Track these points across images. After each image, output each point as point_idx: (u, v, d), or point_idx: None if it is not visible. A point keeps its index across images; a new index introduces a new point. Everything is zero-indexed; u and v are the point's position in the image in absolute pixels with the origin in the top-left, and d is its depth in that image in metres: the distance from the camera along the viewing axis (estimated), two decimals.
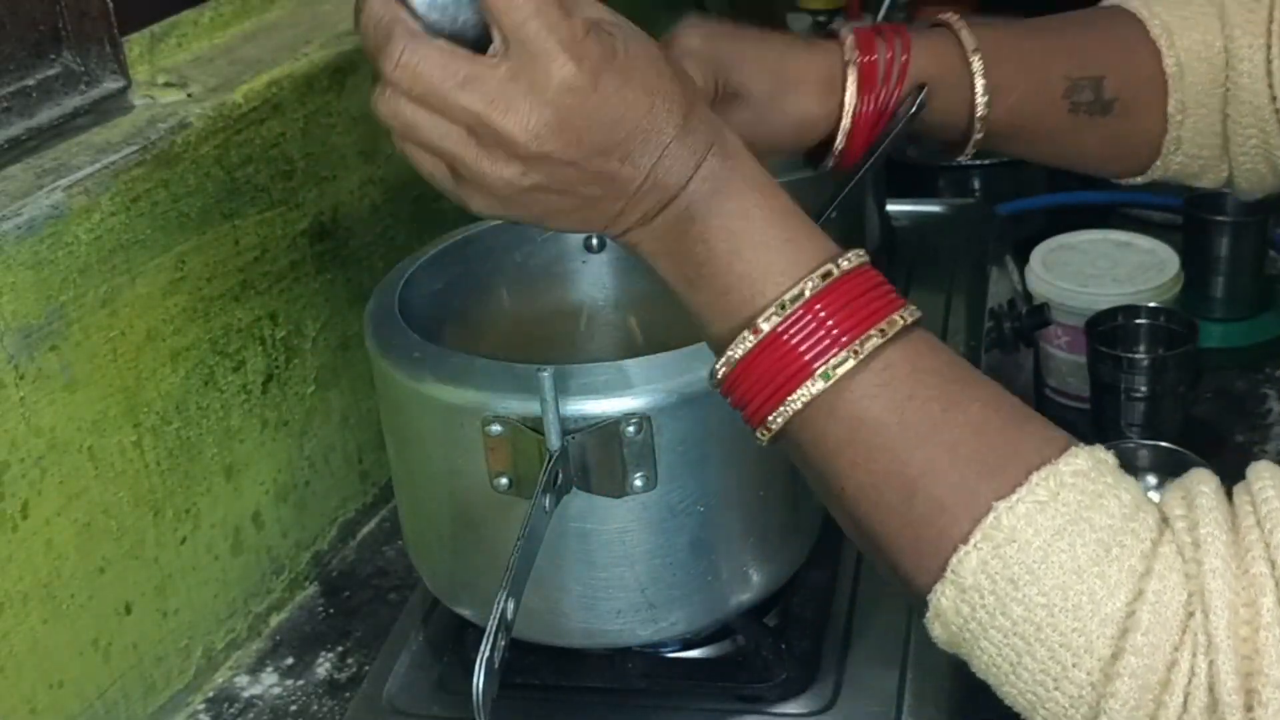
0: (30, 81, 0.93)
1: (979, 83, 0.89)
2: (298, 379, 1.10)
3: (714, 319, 0.64)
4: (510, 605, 0.72)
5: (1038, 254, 1.34)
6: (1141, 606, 0.57)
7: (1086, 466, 0.60)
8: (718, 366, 0.64)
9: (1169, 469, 1.15)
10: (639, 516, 0.81)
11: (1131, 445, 1.17)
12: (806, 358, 0.61)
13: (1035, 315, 1.29)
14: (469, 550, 0.86)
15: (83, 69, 0.96)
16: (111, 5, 0.96)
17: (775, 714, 0.87)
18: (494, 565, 0.75)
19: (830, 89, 0.88)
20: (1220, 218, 1.34)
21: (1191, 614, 0.57)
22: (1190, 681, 0.56)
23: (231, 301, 1.02)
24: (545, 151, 0.60)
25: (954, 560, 0.59)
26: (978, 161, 1.56)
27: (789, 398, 0.62)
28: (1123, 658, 0.56)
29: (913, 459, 0.61)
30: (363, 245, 1.15)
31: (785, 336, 0.61)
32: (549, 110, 0.59)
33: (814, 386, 0.61)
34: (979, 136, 0.91)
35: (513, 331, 0.99)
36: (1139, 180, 0.98)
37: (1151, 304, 1.25)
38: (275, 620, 1.09)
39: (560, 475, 0.77)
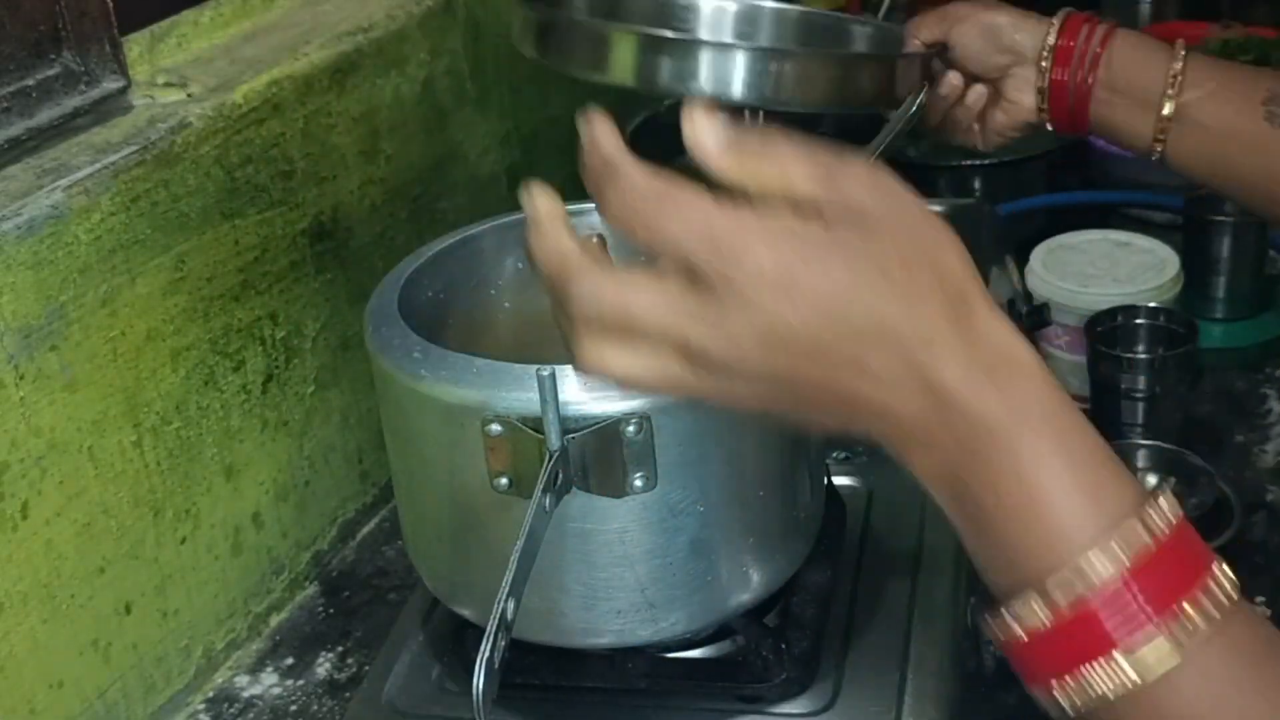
0: (30, 81, 0.93)
1: (1175, 66, 0.88)
2: (298, 379, 1.10)
3: (1001, 571, 0.55)
4: (510, 605, 0.72)
5: (1038, 254, 1.34)
6: None
7: None
8: (1006, 624, 0.54)
9: (1169, 469, 1.15)
10: (639, 516, 0.81)
11: (1131, 445, 1.17)
12: (1113, 631, 0.52)
13: (1035, 315, 1.29)
14: (469, 550, 0.86)
15: (83, 69, 0.96)
16: (111, 5, 0.96)
17: (775, 714, 0.87)
18: (494, 565, 0.75)
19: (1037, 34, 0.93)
20: (1220, 218, 1.34)
21: None
22: None
23: (231, 301, 1.02)
24: (747, 359, 0.53)
25: None
26: (978, 161, 1.57)
27: (1089, 678, 0.53)
28: None
29: None
30: (363, 245, 1.16)
31: (1083, 617, 0.52)
32: (746, 317, 0.52)
33: (1120, 672, 0.52)
34: (1166, 135, 0.91)
35: (513, 331, 0.99)
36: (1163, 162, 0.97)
37: (1151, 304, 1.25)
38: (275, 620, 1.09)
39: (560, 475, 0.77)
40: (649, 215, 0.54)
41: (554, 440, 0.76)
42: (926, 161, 1.54)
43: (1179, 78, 0.90)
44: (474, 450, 0.80)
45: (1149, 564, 0.52)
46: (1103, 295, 1.26)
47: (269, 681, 1.03)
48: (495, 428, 0.79)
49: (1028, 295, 1.32)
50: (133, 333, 0.93)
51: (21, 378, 0.85)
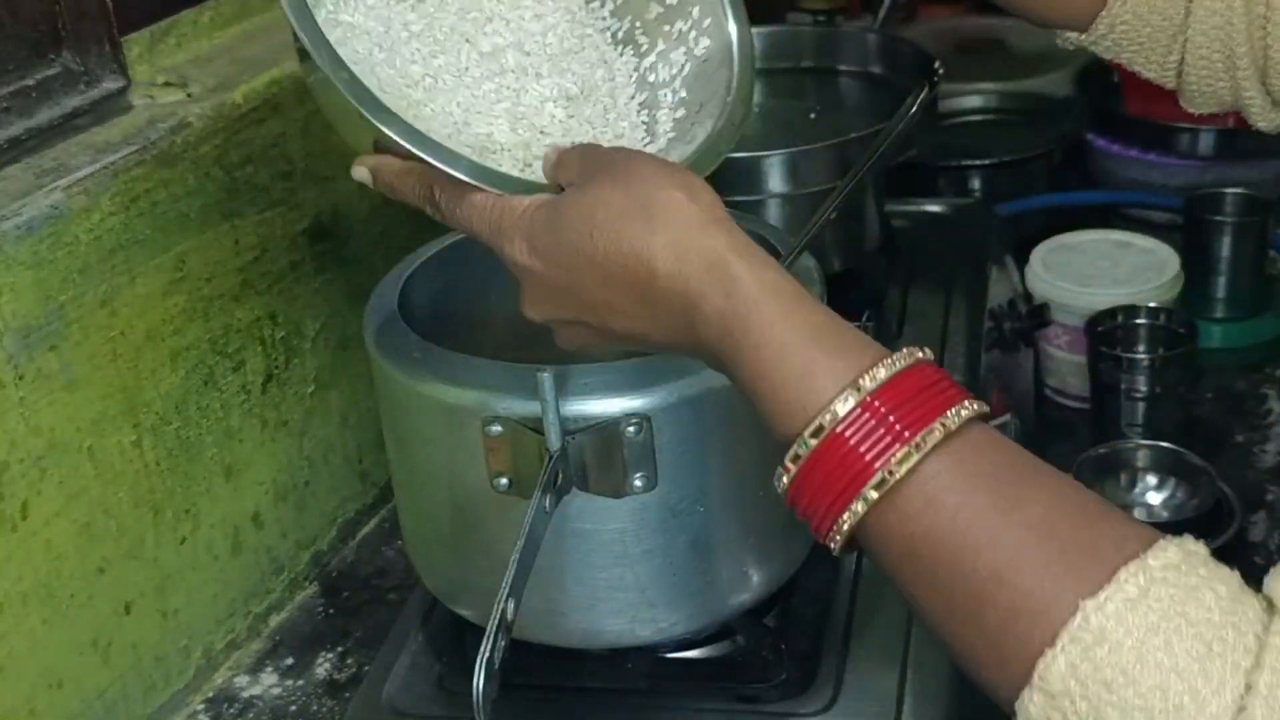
0: (30, 81, 0.93)
1: None
2: (297, 379, 1.10)
3: (778, 431, 0.61)
4: (510, 605, 0.72)
5: (1038, 254, 1.34)
6: (1253, 701, 0.52)
7: (1177, 559, 0.56)
8: (778, 476, 0.61)
9: (1169, 469, 1.15)
10: (639, 517, 0.81)
11: (1131, 445, 1.17)
12: (866, 459, 0.58)
13: (1035, 315, 1.29)
14: (469, 550, 0.86)
15: (82, 69, 0.96)
16: (111, 5, 0.96)
17: (775, 714, 0.87)
18: (494, 565, 0.75)
19: None
20: (1220, 218, 1.35)
21: None
22: None
23: (231, 301, 1.02)
24: (529, 266, 0.69)
25: (1040, 666, 0.55)
26: (978, 161, 1.57)
27: (849, 505, 0.59)
28: None
29: (976, 568, 0.57)
30: (363, 245, 1.15)
31: (843, 437, 0.58)
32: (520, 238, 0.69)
33: (870, 494, 0.58)
34: None
35: (513, 332, 0.99)
36: (1081, 39, 0.93)
37: (1151, 304, 1.25)
38: (275, 620, 1.09)
39: (560, 475, 0.77)
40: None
41: (554, 440, 0.76)
42: (926, 161, 1.54)
43: None
44: (474, 450, 0.80)
45: (887, 395, 0.58)
46: (1103, 295, 1.27)
47: (269, 681, 1.03)
48: (495, 428, 0.79)
49: (1028, 295, 1.32)
50: (132, 333, 0.93)
51: (21, 378, 0.85)
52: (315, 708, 1.00)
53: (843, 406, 0.58)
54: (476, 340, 0.94)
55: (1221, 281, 1.35)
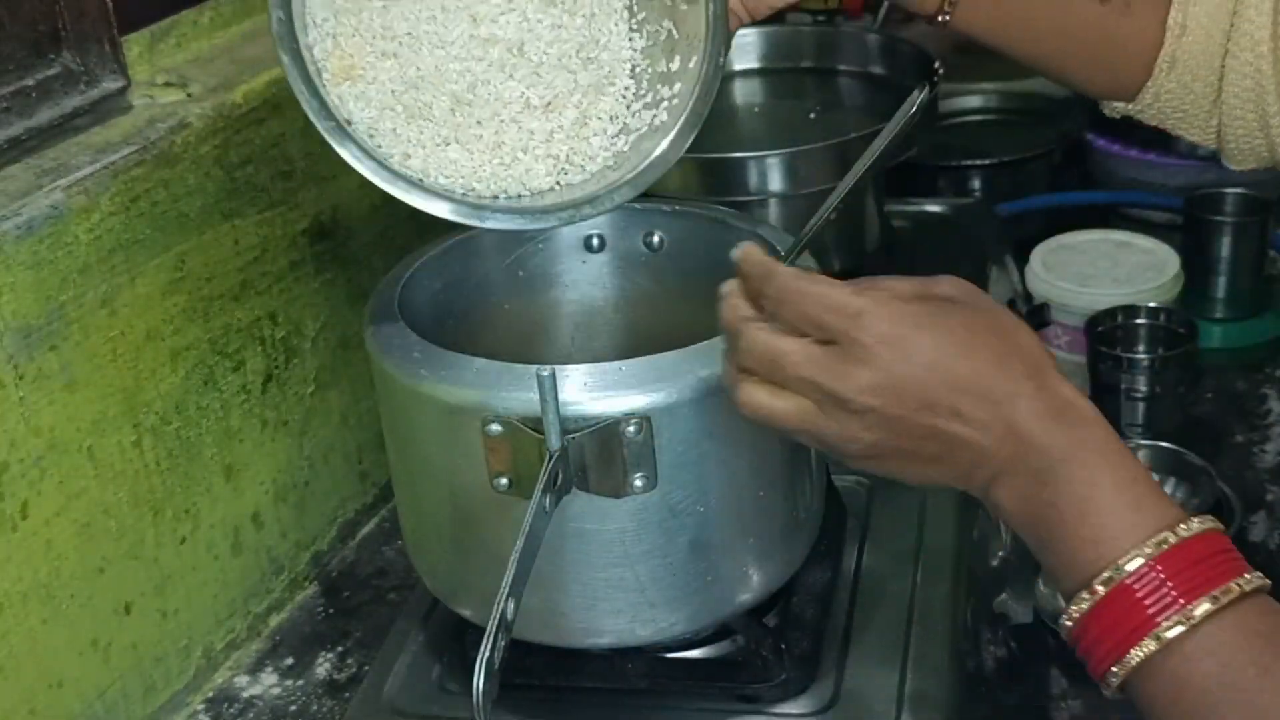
0: (30, 81, 0.93)
1: None
2: (297, 379, 1.10)
3: (1063, 577, 0.67)
4: (510, 605, 0.72)
5: (1038, 254, 1.34)
6: None
7: None
8: (1064, 621, 0.67)
9: (1169, 469, 1.15)
10: (639, 517, 0.81)
11: (1131, 445, 1.17)
12: (1139, 619, 0.63)
13: (1035, 315, 1.29)
14: (469, 550, 0.86)
15: (82, 69, 0.96)
16: (111, 5, 0.96)
17: (775, 714, 0.87)
18: (494, 565, 0.75)
19: None
20: (1220, 218, 1.35)
21: None
22: None
23: (231, 301, 1.02)
24: (871, 406, 0.66)
25: None
26: (978, 161, 1.57)
27: (1125, 656, 0.64)
28: None
29: None
30: (363, 245, 1.15)
31: (1118, 600, 0.64)
32: (866, 372, 0.66)
33: (1147, 647, 0.63)
34: None
35: (513, 331, 0.99)
36: (1128, 109, 0.95)
37: (1151, 304, 1.25)
38: (275, 620, 1.09)
39: (560, 475, 0.77)
40: (796, 296, 0.68)
41: (554, 440, 0.76)
42: (926, 161, 1.54)
43: None
44: (474, 450, 0.80)
45: (1174, 557, 0.63)
46: (1103, 295, 1.27)
47: (269, 681, 1.03)
48: (495, 428, 0.79)
49: (1028, 295, 1.32)
50: (132, 333, 0.93)
51: (21, 378, 0.85)
52: (315, 708, 1.00)
53: (1132, 564, 0.64)
54: (476, 340, 0.94)
55: (1221, 281, 1.35)
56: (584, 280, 1.02)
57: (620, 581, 0.83)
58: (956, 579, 0.98)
